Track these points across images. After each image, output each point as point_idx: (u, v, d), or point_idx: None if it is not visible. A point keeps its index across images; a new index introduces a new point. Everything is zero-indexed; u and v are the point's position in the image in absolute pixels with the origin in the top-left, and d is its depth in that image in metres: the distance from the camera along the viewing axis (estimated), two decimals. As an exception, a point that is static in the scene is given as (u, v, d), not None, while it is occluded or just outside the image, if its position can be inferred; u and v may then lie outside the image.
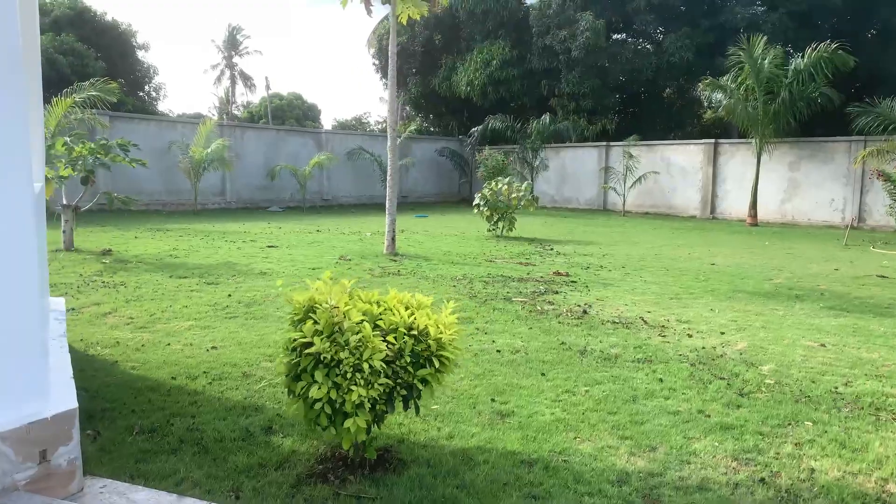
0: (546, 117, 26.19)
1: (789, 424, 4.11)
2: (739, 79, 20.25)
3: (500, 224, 15.62)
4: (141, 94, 40.67)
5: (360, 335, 3.09)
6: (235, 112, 66.46)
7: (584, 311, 7.40)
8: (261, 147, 23.47)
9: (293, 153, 24.11)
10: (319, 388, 3.03)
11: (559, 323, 6.83)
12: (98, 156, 10.10)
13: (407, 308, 3.50)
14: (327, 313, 3.12)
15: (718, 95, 21.52)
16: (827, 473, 3.43)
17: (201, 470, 3.34)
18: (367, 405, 3.07)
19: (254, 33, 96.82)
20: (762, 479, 3.35)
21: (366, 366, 3.03)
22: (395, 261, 10.95)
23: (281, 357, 3.27)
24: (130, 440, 3.68)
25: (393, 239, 11.64)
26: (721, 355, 5.72)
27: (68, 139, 10.16)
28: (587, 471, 3.42)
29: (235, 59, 73.07)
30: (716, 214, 23.11)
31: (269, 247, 12.17)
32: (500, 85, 28.64)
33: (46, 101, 13.45)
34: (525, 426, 4.00)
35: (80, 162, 9.96)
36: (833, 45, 18.97)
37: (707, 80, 21.01)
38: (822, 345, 6.15)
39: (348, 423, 3.03)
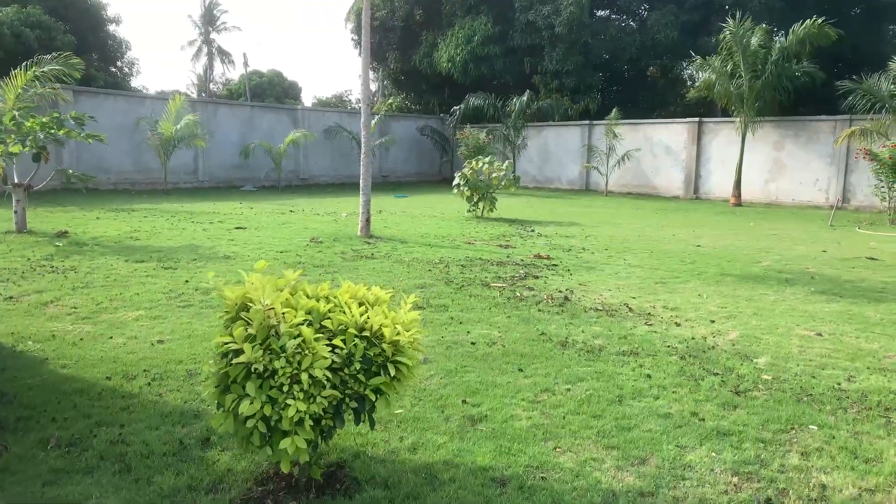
0: (528, 95, 25.61)
1: (792, 429, 3.71)
2: (724, 56, 19.80)
3: (481, 204, 15.13)
4: (113, 69, 39.44)
5: (298, 340, 2.60)
6: (215, 90, 65.05)
7: (566, 298, 6.96)
8: (235, 124, 22.70)
9: (269, 131, 23.36)
10: (251, 402, 2.55)
11: (539, 311, 6.39)
12: (50, 131, 9.42)
13: (361, 304, 3.01)
14: (260, 314, 2.63)
15: (704, 75, 21.11)
16: (841, 491, 3.02)
17: (118, 494, 2.86)
18: (309, 422, 2.59)
19: (232, 8, 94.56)
20: (768, 500, 2.93)
21: (305, 377, 2.55)
22: (369, 243, 10.45)
23: (209, 364, 2.78)
24: (42, 456, 3.18)
25: (367, 220, 11.12)
26: (712, 346, 5.31)
27: (17, 113, 9.47)
28: (568, 490, 2.98)
29: (213, 36, 71.33)
30: (699, 195, 22.78)
31: (236, 228, 11.59)
32: (482, 62, 27.98)
33: (7, 74, 12.71)
34: (499, 434, 3.55)
35: (30, 137, 9.28)
36: (818, 21, 18.56)
37: (696, 60, 20.54)
38: (819, 334, 5.76)
39: (285, 443, 2.56)
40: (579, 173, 25.86)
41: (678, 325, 6.03)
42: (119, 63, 40.32)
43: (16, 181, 9.98)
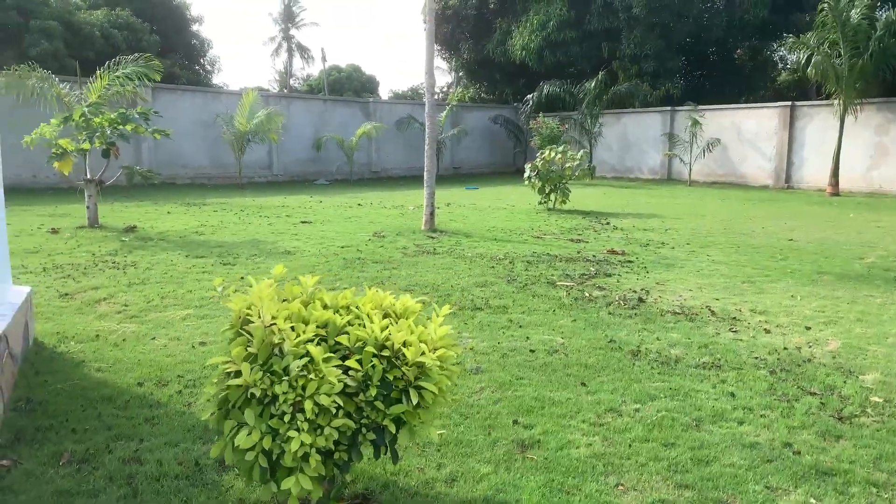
0: (604, 79, 24.61)
1: (912, 469, 3.06)
2: (821, 33, 18.28)
3: (553, 196, 14.52)
4: (196, 67, 40.74)
5: (304, 360, 2.21)
6: (295, 85, 66.38)
7: (640, 299, 6.36)
8: (308, 118, 22.83)
9: (341, 124, 23.39)
10: (249, 433, 2.18)
11: (609, 314, 5.83)
12: (117, 127, 9.50)
13: (386, 316, 2.61)
14: (261, 330, 2.26)
15: (795, 57, 19.61)
16: (982, 560, 2.40)
17: (117, 526, 2.56)
18: (317, 456, 2.21)
19: (310, 5, 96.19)
20: (886, 570, 2.35)
21: (309, 404, 2.16)
22: (432, 237, 10.08)
23: (210, 383, 2.44)
24: (51, 474, 2.94)
25: (432, 214, 10.75)
26: (808, 359, 4.63)
27: (86, 110, 9.61)
28: (630, 543, 2.48)
29: (292, 32, 72.80)
30: (791, 184, 21.28)
31: (302, 222, 11.46)
32: (558, 48, 27.10)
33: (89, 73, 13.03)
34: (552, 465, 3.07)
35: (97, 133, 9.38)
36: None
37: (789, 38, 19.08)
38: (939, 346, 4.97)
39: (287, 482, 2.18)
40: (661, 162, 24.70)
41: (768, 331, 5.35)
42: (202, 61, 41.61)
43: (88, 177, 10.15)
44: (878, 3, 19.78)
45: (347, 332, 2.42)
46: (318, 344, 2.34)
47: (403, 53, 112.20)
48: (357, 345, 2.37)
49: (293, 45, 72.85)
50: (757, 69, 30.63)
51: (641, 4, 24.09)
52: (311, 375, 2.19)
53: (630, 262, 8.41)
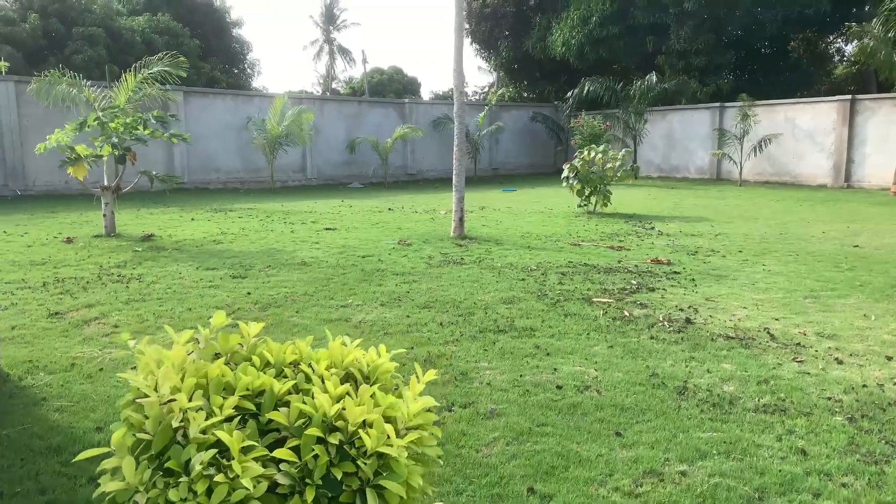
0: (652, 76, 23.59)
1: None
2: (886, 20, 17.00)
3: (593, 199, 13.71)
4: (236, 71, 40.93)
5: (211, 453, 1.60)
6: (338, 88, 66.55)
7: (688, 319, 5.60)
8: (341, 120, 22.42)
9: (376, 125, 22.92)
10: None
11: (651, 338, 5.10)
12: (133, 131, 9.12)
13: (348, 380, 1.97)
14: (157, 410, 1.65)
15: (853, 47, 18.36)
16: None
17: None
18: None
19: (351, 5, 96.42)
20: None
21: (211, 522, 1.54)
22: (461, 245, 9.43)
23: (106, 478, 1.84)
24: (-47, 559, 2.40)
25: (461, 219, 10.10)
26: (893, 401, 3.84)
27: (101, 114, 9.26)
28: None
29: (334, 34, 73.04)
30: (851, 183, 19.95)
31: (326, 229, 10.95)
32: (600, 44, 26.10)
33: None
34: (572, 558, 2.40)
35: (112, 138, 9.01)
36: None
37: (850, 27, 17.82)
38: None
39: None
40: (709, 161, 23.54)
41: (840, 362, 4.55)
42: (242, 65, 41.79)
43: (105, 184, 9.81)
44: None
45: (289, 402, 1.79)
46: (242, 424, 1.72)
47: (446, 54, 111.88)
48: (298, 424, 1.75)
49: (334, 48, 73.13)
50: (813, 63, 29.07)
51: (694, -1, 22.94)
52: (221, 476, 1.57)
53: (676, 273, 7.62)
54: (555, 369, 4.40)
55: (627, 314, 5.77)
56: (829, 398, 3.90)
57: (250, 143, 19.60)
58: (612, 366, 4.47)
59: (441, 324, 5.46)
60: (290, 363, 1.99)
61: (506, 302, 6.19)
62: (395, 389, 2.01)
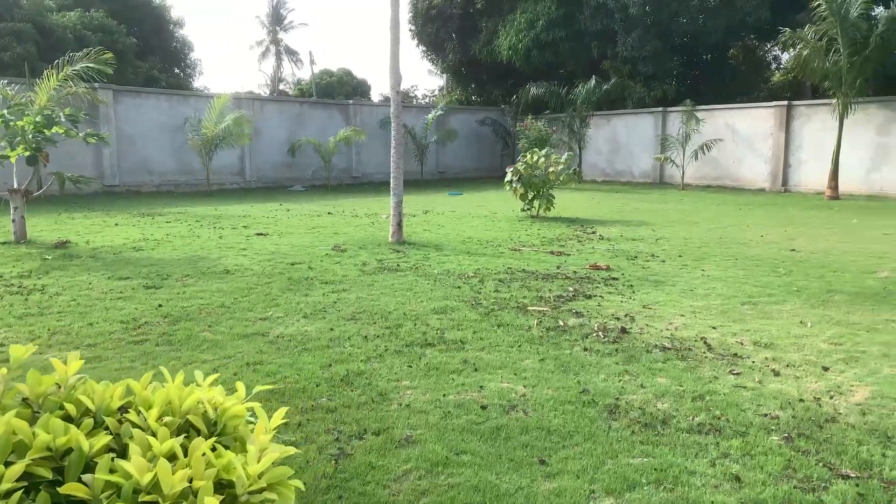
0: (593, 80, 23.67)
1: None
2: (819, 28, 17.38)
3: (536, 203, 13.55)
4: (176, 70, 39.70)
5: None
6: (286, 90, 65.37)
7: (623, 329, 5.38)
8: (283, 122, 21.81)
9: (319, 127, 22.38)
10: None
11: (585, 350, 4.85)
12: (42, 130, 8.47)
13: (184, 431, 1.61)
14: None
15: (789, 56, 18.75)
16: None
17: None
18: None
19: (298, 6, 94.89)
20: None
21: None
22: (398, 251, 9.09)
23: None
24: None
25: (399, 224, 9.76)
26: (832, 417, 3.66)
27: (6, 112, 8.59)
28: None
29: (281, 35, 71.74)
30: (788, 187, 20.38)
31: (256, 235, 10.46)
32: (547, 48, 26.12)
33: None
34: None
35: (18, 139, 8.35)
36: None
37: (785, 33, 18.16)
38: None
39: None
40: (652, 165, 23.78)
41: (776, 373, 4.38)
42: (183, 64, 40.56)
43: (14, 186, 9.11)
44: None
45: (97, 466, 1.42)
46: (33, 498, 1.34)
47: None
48: (104, 496, 1.38)
49: (281, 49, 71.86)
50: (751, 70, 29.74)
51: (639, 4, 23.11)
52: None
53: (615, 279, 7.44)
54: (481, 387, 4.09)
55: (562, 324, 5.52)
56: (766, 415, 3.69)
57: (185, 145, 18.83)
58: (541, 381, 4.19)
59: (366, 337, 5.10)
60: (119, 409, 1.61)
61: (438, 312, 5.87)
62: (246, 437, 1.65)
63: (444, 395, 3.95)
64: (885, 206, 16.15)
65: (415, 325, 5.46)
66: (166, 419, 1.58)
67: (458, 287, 6.91)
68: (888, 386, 4.14)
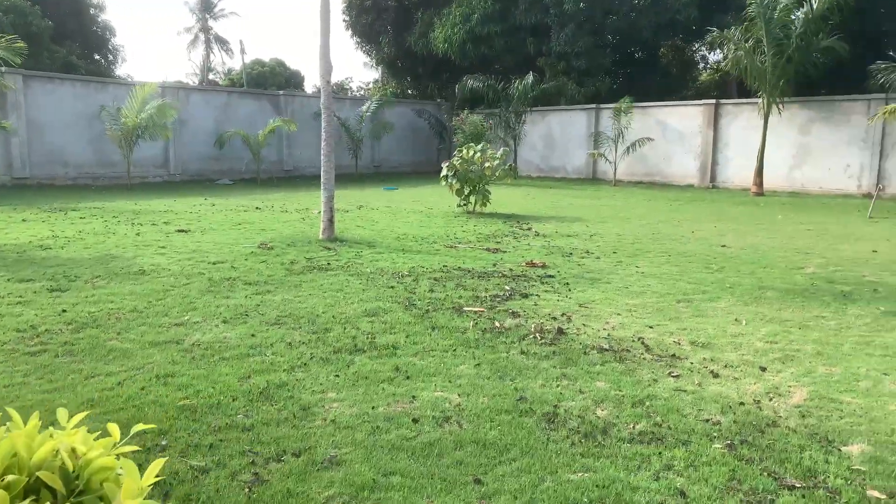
0: (530, 76, 23.71)
1: None
2: (745, 29, 17.83)
3: (473, 198, 13.38)
4: (97, 57, 37.81)
5: None
6: (217, 80, 63.27)
7: (560, 330, 5.22)
8: (210, 112, 20.94)
9: (248, 119, 21.60)
10: None
11: (522, 353, 4.65)
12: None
13: (33, 494, 1.28)
14: None
15: (717, 57, 19.25)
16: None
17: None
18: None
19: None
20: None
21: None
22: (329, 249, 8.73)
23: None
24: None
25: (331, 220, 9.39)
26: (773, 421, 3.57)
27: None
28: None
29: (210, 23, 69.43)
30: (716, 183, 20.92)
31: (177, 231, 9.89)
32: (482, 42, 25.99)
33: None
34: None
35: None
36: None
37: (713, 32, 18.58)
38: (922, 393, 4.01)
39: None
40: (586, 161, 24.02)
41: (715, 375, 4.29)
42: (104, 50, 38.67)
43: None
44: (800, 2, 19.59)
45: None
46: None
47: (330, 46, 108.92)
48: None
49: (211, 37, 69.57)
50: (682, 69, 30.46)
51: (572, 0, 23.21)
52: None
53: (550, 276, 7.31)
54: (413, 397, 3.84)
55: (498, 325, 5.32)
56: (708, 420, 3.57)
57: (104, 135, 17.80)
58: (477, 389, 3.96)
59: (290, 344, 4.77)
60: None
61: (369, 314, 5.58)
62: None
63: (373, 408, 3.67)
64: (806, 202, 16.72)
65: (344, 329, 5.16)
66: (9, 478, 1.25)
67: (392, 287, 6.63)
68: (824, 386, 4.10)
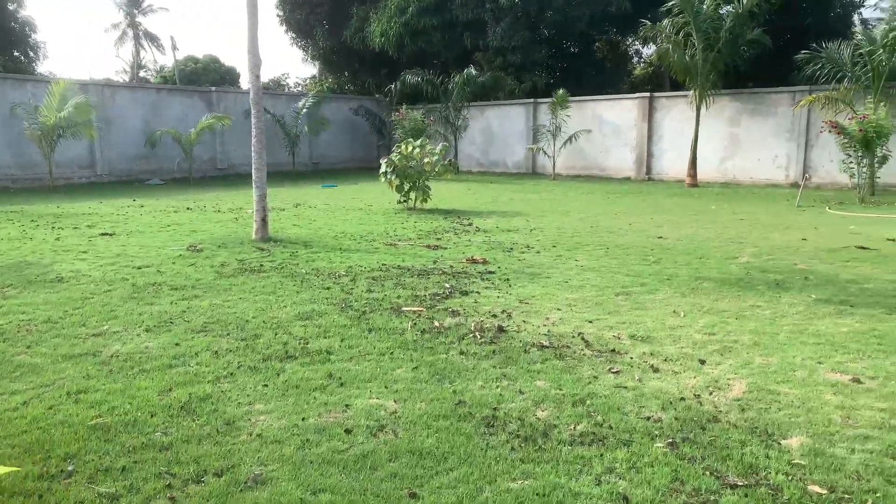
0: (469, 70, 23.63)
1: None
2: (676, 22, 18.17)
3: (413, 195, 13.19)
4: (16, 53, 35.98)
5: None
6: (148, 77, 61.13)
7: (500, 328, 5.10)
8: (138, 110, 20.10)
9: (179, 116, 20.84)
10: None
11: (461, 353, 4.52)
12: None
13: None
14: None
15: (651, 50, 19.58)
16: None
17: None
18: None
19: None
20: None
21: None
22: (263, 249, 8.41)
23: None
24: None
25: (264, 220, 9.07)
26: (713, 416, 3.53)
27: None
28: None
29: (139, 19, 66.95)
30: (652, 175, 21.31)
31: (101, 235, 9.39)
32: (419, 36, 25.78)
33: None
34: None
35: None
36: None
37: (645, 25, 18.88)
38: (856, 379, 4.05)
39: None
40: (525, 156, 24.13)
41: (655, 370, 4.24)
42: (24, 47, 36.82)
43: None
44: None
45: None
46: None
47: (264, 42, 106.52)
48: None
49: (140, 33, 67.09)
50: (616, 63, 30.95)
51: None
52: None
53: (491, 272, 7.20)
54: (347, 405, 3.65)
55: (438, 325, 5.17)
56: (649, 418, 3.50)
57: (23, 135, 16.86)
58: (414, 394, 3.80)
59: (216, 352, 4.51)
60: None
61: (303, 318, 5.35)
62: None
63: (303, 419, 3.46)
64: (737, 192, 17.17)
65: (275, 334, 4.92)
66: None
67: (328, 288, 6.40)
68: (762, 377, 4.10)
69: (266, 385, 3.94)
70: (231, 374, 4.12)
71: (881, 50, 15.26)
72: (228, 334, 4.91)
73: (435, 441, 3.22)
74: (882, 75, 15.40)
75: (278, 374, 4.11)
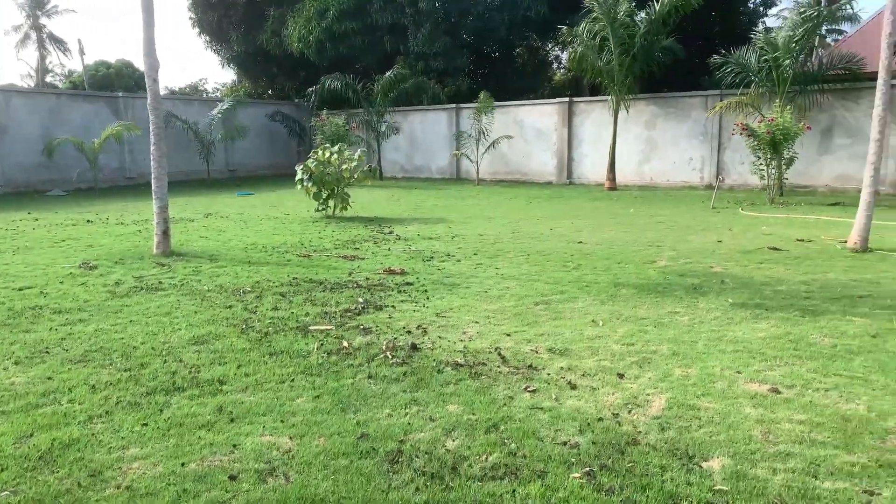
0: (391, 74, 23.28)
1: None
2: (592, 27, 18.39)
3: (331, 202, 12.75)
4: None
5: None
6: (56, 83, 57.91)
7: (414, 346, 4.80)
8: (35, 117, 18.79)
9: (83, 124, 19.61)
10: None
11: (370, 377, 4.19)
12: None
13: None
14: None
15: (570, 53, 19.77)
16: None
17: None
18: None
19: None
20: None
21: None
22: (163, 265, 7.83)
23: None
24: None
25: (165, 233, 8.46)
26: (633, 439, 3.32)
27: None
28: None
29: (43, 21, 63.44)
30: (573, 179, 21.51)
31: (-19, 253, 8.58)
32: (340, 40, 25.23)
33: None
34: None
35: None
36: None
37: (563, 30, 19.03)
38: (774, 389, 3.95)
39: None
40: (450, 161, 23.96)
41: (573, 386, 4.03)
42: None
43: None
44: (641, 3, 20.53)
45: None
46: None
47: (183, 48, 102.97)
48: None
49: (44, 36, 63.57)
50: (537, 68, 31.26)
51: None
52: None
53: (409, 284, 6.90)
54: (234, 446, 3.26)
55: (346, 345, 4.82)
56: (565, 443, 3.27)
57: None
58: (312, 428, 3.45)
59: (94, 386, 4.02)
60: None
61: (197, 342, 4.89)
62: None
63: (182, 465, 3.06)
64: (655, 195, 17.49)
65: (164, 362, 4.45)
66: None
67: (230, 306, 5.94)
68: (681, 391, 3.95)
69: (146, 424, 3.50)
70: (107, 412, 3.66)
71: (782, 56, 15.85)
72: (111, 364, 4.42)
73: (331, 485, 2.88)
74: (786, 80, 16.00)
75: (161, 410, 3.67)
